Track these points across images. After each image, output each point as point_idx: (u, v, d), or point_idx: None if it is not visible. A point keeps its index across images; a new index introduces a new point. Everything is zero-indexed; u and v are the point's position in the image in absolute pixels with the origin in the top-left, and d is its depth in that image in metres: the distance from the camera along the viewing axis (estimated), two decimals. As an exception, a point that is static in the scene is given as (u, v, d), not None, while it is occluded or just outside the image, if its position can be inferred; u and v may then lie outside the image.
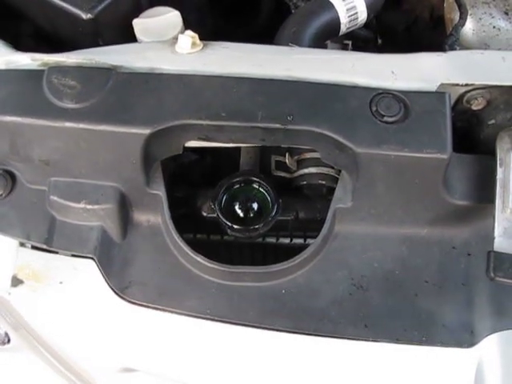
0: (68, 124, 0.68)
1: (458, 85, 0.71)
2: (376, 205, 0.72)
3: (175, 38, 0.74)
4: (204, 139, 0.71)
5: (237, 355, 0.73)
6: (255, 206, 0.76)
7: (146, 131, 0.67)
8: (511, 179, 0.69)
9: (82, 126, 0.68)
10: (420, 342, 0.69)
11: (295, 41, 0.82)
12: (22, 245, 0.75)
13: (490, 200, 0.69)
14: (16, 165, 0.76)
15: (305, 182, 0.79)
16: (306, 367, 0.72)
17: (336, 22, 0.86)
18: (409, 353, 0.70)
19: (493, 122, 0.74)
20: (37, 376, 0.89)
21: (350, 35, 0.93)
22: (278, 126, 0.67)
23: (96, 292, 0.73)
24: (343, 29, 0.87)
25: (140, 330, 0.74)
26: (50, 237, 0.74)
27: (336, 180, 0.75)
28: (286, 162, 0.79)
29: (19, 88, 0.70)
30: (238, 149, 0.81)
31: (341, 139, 0.67)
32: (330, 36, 0.89)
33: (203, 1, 0.93)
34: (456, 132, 0.69)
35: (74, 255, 0.74)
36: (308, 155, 0.78)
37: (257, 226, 0.73)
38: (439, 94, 0.69)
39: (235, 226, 0.73)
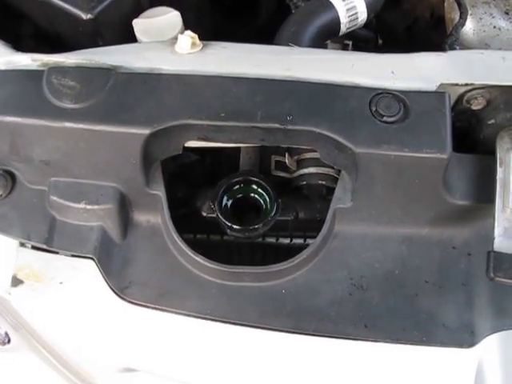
0: (68, 124, 0.68)
1: (457, 85, 0.71)
2: (376, 205, 0.72)
3: (175, 39, 0.74)
4: (204, 139, 0.71)
5: (237, 355, 0.73)
6: (254, 206, 0.76)
7: (146, 131, 0.67)
8: (511, 179, 0.68)
9: (81, 126, 0.68)
10: (420, 342, 0.69)
11: (295, 41, 0.82)
12: (22, 245, 0.75)
13: (490, 200, 0.68)
14: (16, 165, 0.76)
15: (304, 182, 0.79)
16: (306, 367, 0.72)
17: (336, 22, 0.85)
18: (409, 353, 0.70)
19: (493, 121, 0.74)
20: (37, 376, 0.89)
21: (350, 35, 0.92)
22: (277, 126, 0.67)
23: (96, 292, 0.73)
24: (343, 29, 0.87)
25: (140, 330, 0.74)
26: (50, 237, 0.74)
27: (336, 180, 0.75)
28: (285, 162, 0.79)
29: (19, 88, 0.70)
30: (238, 149, 0.81)
31: (340, 139, 0.67)
32: (329, 36, 0.89)
33: (203, 1, 0.93)
34: (456, 132, 0.69)
35: (74, 255, 0.74)
36: (308, 155, 0.78)
37: (256, 226, 0.73)
38: (439, 94, 0.69)
39: (235, 226, 0.73)
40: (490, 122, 0.75)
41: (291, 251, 0.74)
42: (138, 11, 0.80)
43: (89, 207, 0.73)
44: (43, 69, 0.71)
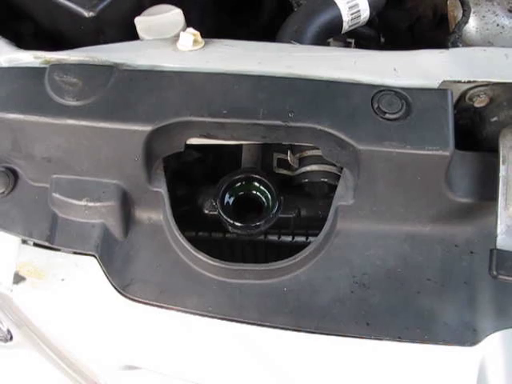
0: (70, 121, 0.68)
1: (460, 82, 0.71)
2: (378, 202, 0.72)
3: (177, 36, 0.74)
4: (205, 136, 0.71)
5: (238, 353, 0.73)
6: (256, 203, 0.76)
7: (148, 128, 0.67)
8: (514, 176, 0.68)
9: (83, 123, 0.68)
10: (422, 341, 0.69)
11: (297, 39, 0.81)
12: (24, 242, 0.75)
13: (493, 197, 0.68)
14: (18, 162, 0.76)
15: (306, 180, 0.78)
16: (308, 365, 0.72)
17: (338, 20, 0.85)
18: (411, 351, 0.70)
19: (495, 119, 0.74)
20: (39, 373, 0.89)
21: (352, 33, 0.92)
22: (279, 123, 0.67)
23: (98, 289, 0.73)
24: (345, 27, 0.87)
25: (142, 327, 0.74)
26: (51, 234, 0.74)
27: (338, 177, 0.75)
28: (287, 160, 0.79)
29: (21, 86, 0.70)
30: (240, 146, 0.81)
31: (342, 136, 0.67)
32: (332, 34, 0.89)
33: (206, -1, 0.94)
34: (458, 129, 0.69)
35: (75, 252, 0.74)
36: (310, 153, 0.78)
37: (258, 224, 0.73)
38: (441, 91, 0.69)
39: (236, 224, 0.73)
40: (492, 120, 0.74)
41: (293, 249, 0.74)
42: (140, 9, 0.80)
43: (91, 204, 0.73)
44: (45, 66, 0.71)
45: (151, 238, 0.75)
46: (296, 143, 0.76)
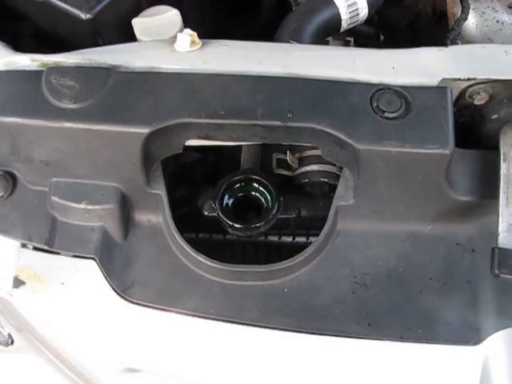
0: (67, 124, 0.68)
1: (460, 79, 0.70)
2: (378, 201, 0.71)
3: (174, 37, 0.74)
4: (204, 138, 0.70)
5: (240, 354, 0.73)
6: (256, 204, 0.75)
7: (146, 130, 0.67)
8: (515, 174, 0.68)
9: (81, 126, 0.68)
10: (424, 340, 0.69)
11: (295, 38, 0.81)
12: (23, 246, 0.75)
13: (494, 196, 0.68)
14: (17, 166, 0.76)
15: (306, 180, 0.78)
16: (310, 366, 0.72)
17: (337, 19, 0.85)
18: (413, 351, 0.69)
19: (496, 116, 0.74)
20: (40, 377, 0.89)
21: (351, 32, 0.92)
22: (278, 123, 0.67)
23: (98, 292, 0.73)
24: (344, 25, 0.86)
25: (142, 330, 0.74)
26: (51, 237, 0.74)
27: (338, 177, 0.75)
28: (287, 160, 0.79)
29: (18, 89, 0.70)
30: (239, 147, 0.81)
31: (341, 136, 0.66)
32: (330, 33, 0.88)
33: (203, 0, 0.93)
34: (458, 127, 0.68)
35: (75, 256, 0.74)
36: (309, 153, 0.77)
37: (258, 225, 0.72)
38: (441, 89, 0.69)
39: (236, 225, 0.73)
40: (493, 117, 0.74)
41: (294, 249, 0.73)
42: (137, 10, 0.80)
43: (90, 207, 0.73)
44: (42, 69, 0.71)
45: (151, 240, 0.75)
46: (295, 143, 0.76)
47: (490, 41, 0.91)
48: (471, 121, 0.76)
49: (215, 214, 0.74)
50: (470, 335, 0.68)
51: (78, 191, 0.73)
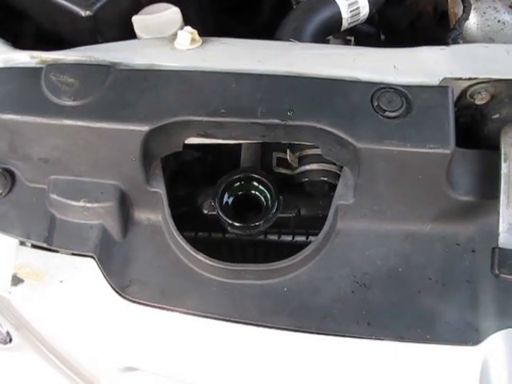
0: (66, 121, 0.67)
1: (461, 79, 0.70)
2: (378, 201, 0.71)
3: (174, 35, 0.74)
4: (204, 136, 0.70)
5: (239, 354, 0.73)
6: (256, 203, 0.75)
7: (145, 128, 0.67)
8: (516, 174, 0.68)
9: (80, 123, 0.67)
10: (424, 340, 0.69)
11: (296, 36, 0.81)
12: (22, 244, 0.75)
13: (495, 196, 0.67)
14: (15, 163, 0.76)
15: (306, 179, 0.78)
16: (309, 366, 0.71)
17: (338, 18, 0.85)
18: (413, 351, 0.69)
19: (497, 116, 0.73)
20: (39, 375, 0.89)
21: (352, 31, 0.92)
22: (277, 121, 0.67)
23: (96, 291, 0.72)
24: (345, 24, 0.86)
25: (141, 328, 0.73)
26: (50, 235, 0.74)
27: (338, 176, 0.74)
28: (287, 159, 0.79)
29: (17, 86, 0.70)
30: (239, 146, 0.81)
31: (342, 135, 0.66)
32: (331, 31, 0.88)
33: (204, -3, 0.93)
34: (459, 127, 0.68)
35: (74, 254, 0.73)
36: (309, 151, 0.77)
37: (257, 223, 0.72)
38: (442, 89, 0.68)
39: (235, 224, 0.72)
40: (494, 117, 0.74)
41: (293, 248, 0.73)
42: (137, 8, 0.79)
43: (89, 205, 0.73)
44: (42, 66, 0.71)
45: (150, 238, 0.74)
46: (295, 142, 0.76)
47: (491, 40, 0.91)
48: (472, 120, 0.76)
49: (215, 213, 0.74)
50: (469, 335, 0.68)
51: (77, 189, 0.73)
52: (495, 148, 0.70)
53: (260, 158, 0.81)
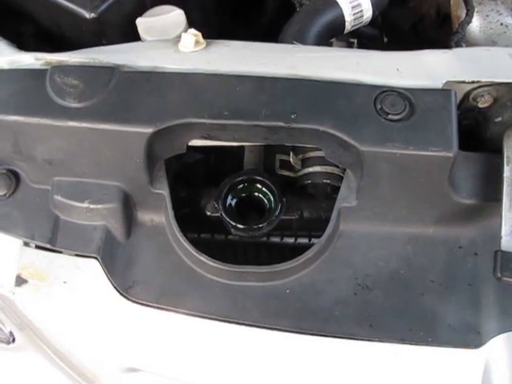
0: (71, 123, 0.68)
1: (464, 82, 0.70)
2: (381, 204, 0.71)
3: (178, 37, 0.74)
4: (207, 138, 0.70)
5: (241, 355, 0.73)
6: (259, 205, 0.75)
7: (149, 130, 0.67)
8: (518, 177, 0.68)
9: (84, 125, 0.68)
10: (426, 343, 0.69)
11: (299, 39, 0.81)
12: (25, 244, 0.75)
13: (497, 199, 0.68)
14: (20, 164, 0.76)
15: (309, 181, 0.78)
16: (311, 368, 0.72)
17: (341, 20, 0.85)
18: (414, 353, 0.69)
19: (499, 119, 0.74)
20: (41, 375, 0.89)
21: (355, 33, 0.92)
22: (281, 124, 0.67)
23: (100, 291, 0.73)
24: (348, 27, 0.86)
25: (144, 329, 0.74)
26: (53, 236, 0.74)
27: (341, 179, 0.75)
28: (290, 161, 0.79)
29: (22, 87, 0.70)
30: (242, 148, 0.81)
31: (345, 137, 0.66)
32: (334, 34, 0.88)
33: (207, 0, 0.93)
34: (462, 130, 0.68)
35: (77, 255, 0.74)
36: (312, 154, 0.77)
37: (260, 226, 0.73)
38: (445, 92, 0.69)
39: (239, 226, 0.73)
40: (496, 120, 0.74)
41: (296, 250, 0.73)
42: (141, 10, 0.80)
43: (92, 206, 0.73)
44: (46, 68, 0.71)
45: (153, 239, 0.75)
46: (298, 144, 0.76)
47: (493, 43, 0.91)
48: (475, 123, 0.76)
49: (218, 215, 0.74)
50: (471, 338, 0.68)
51: (81, 190, 0.73)
52: (498, 151, 0.70)
53: (263, 160, 0.81)
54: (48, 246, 0.74)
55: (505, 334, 0.68)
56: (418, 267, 0.72)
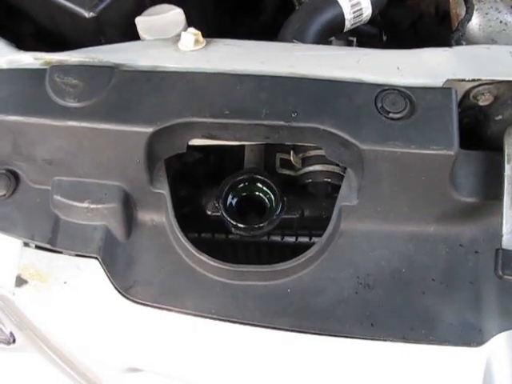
0: (70, 123, 0.67)
1: (464, 80, 0.70)
2: (382, 202, 0.71)
3: (178, 36, 0.74)
4: (207, 137, 0.70)
5: (242, 355, 0.73)
6: (259, 204, 0.75)
7: (149, 129, 0.67)
8: (519, 176, 0.68)
9: (84, 124, 0.67)
10: (427, 341, 0.69)
11: (299, 37, 0.81)
12: (26, 245, 0.75)
13: (498, 197, 0.68)
14: (19, 164, 0.76)
15: (310, 180, 0.78)
16: (312, 367, 0.72)
17: (340, 18, 0.85)
18: (416, 352, 0.69)
19: (500, 117, 0.73)
20: (42, 376, 0.89)
21: (354, 31, 0.92)
22: (281, 123, 0.67)
23: (100, 292, 0.72)
24: (348, 25, 0.86)
25: (144, 329, 0.73)
26: (53, 236, 0.74)
27: (341, 178, 0.74)
28: (290, 160, 0.79)
29: (21, 87, 0.70)
30: (243, 147, 0.81)
31: (345, 136, 0.66)
32: (334, 32, 0.88)
33: (206, -2, 0.93)
34: (463, 128, 0.68)
35: (77, 255, 0.73)
36: (313, 153, 0.77)
37: (261, 225, 0.72)
38: (445, 90, 0.68)
39: (239, 225, 0.72)
40: (497, 118, 0.74)
41: (297, 249, 0.73)
42: (140, 9, 0.80)
43: (92, 206, 0.73)
44: (46, 67, 0.71)
45: (154, 239, 0.75)
46: (299, 143, 0.76)
47: (493, 41, 0.91)
48: (475, 122, 0.76)
49: (219, 214, 0.74)
50: (472, 336, 0.68)
51: (81, 190, 0.73)
52: (499, 149, 0.70)
53: (263, 159, 0.81)
54: (48, 246, 0.74)
55: (506, 332, 0.68)
56: (419, 266, 0.72)
